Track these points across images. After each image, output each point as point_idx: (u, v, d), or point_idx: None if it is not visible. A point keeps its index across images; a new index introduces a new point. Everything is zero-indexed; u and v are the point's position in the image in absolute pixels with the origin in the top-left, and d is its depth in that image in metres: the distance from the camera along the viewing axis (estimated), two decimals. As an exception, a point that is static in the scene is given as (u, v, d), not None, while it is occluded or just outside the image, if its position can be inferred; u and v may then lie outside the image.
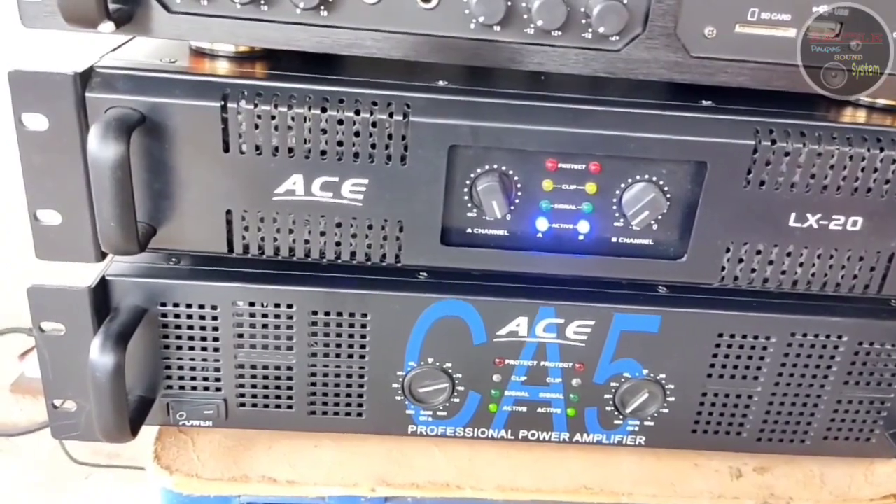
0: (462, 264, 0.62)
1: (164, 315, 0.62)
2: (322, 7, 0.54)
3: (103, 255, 0.59)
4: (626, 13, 0.54)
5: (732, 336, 0.66)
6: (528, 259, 0.62)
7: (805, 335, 0.66)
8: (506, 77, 0.62)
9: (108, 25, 0.52)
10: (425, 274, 0.65)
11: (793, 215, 0.61)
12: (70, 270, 0.59)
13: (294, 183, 0.58)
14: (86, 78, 0.55)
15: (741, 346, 0.66)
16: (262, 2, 0.54)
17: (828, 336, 0.66)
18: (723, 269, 0.62)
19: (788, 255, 0.62)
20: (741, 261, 0.62)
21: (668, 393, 0.67)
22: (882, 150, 0.59)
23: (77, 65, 0.55)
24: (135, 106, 0.55)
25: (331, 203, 0.59)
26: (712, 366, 0.67)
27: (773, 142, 0.58)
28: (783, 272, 0.63)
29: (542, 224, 0.62)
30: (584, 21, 0.55)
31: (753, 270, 0.63)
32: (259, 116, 0.56)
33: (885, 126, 0.60)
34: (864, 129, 0.59)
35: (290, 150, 0.57)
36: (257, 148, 0.57)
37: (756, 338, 0.66)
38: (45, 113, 0.54)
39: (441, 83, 0.60)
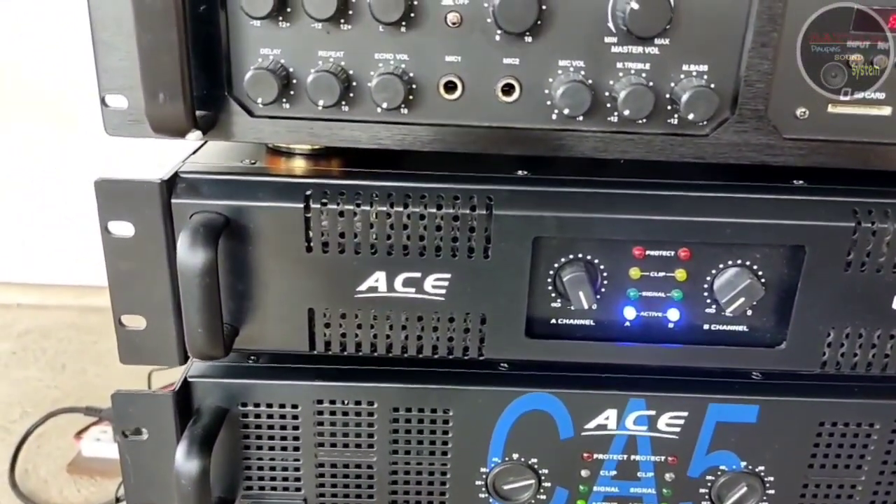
0: (547, 357, 0.60)
1: (245, 415, 0.61)
2: (404, 105, 0.54)
3: (186, 358, 0.58)
4: (715, 98, 0.52)
5: (834, 424, 0.62)
6: (615, 350, 0.60)
7: (911, 419, 0.63)
8: (586, 163, 0.61)
9: (195, 134, 0.52)
10: (506, 365, 0.63)
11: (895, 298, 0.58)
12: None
13: (376, 280, 0.57)
14: (171, 184, 0.55)
15: (843, 435, 0.62)
16: (344, 103, 0.54)
17: (937, 421, 0.62)
18: (823, 354, 0.59)
19: (892, 337, 0.59)
20: (842, 345, 0.59)
21: (768, 486, 0.63)
22: None
23: (162, 172, 0.55)
24: (219, 210, 0.55)
25: (413, 299, 0.58)
26: (814, 455, 0.63)
27: (873, 222, 0.56)
28: (886, 355, 0.60)
29: (629, 313, 0.59)
30: (670, 107, 0.54)
31: (855, 355, 0.60)
32: (341, 215, 0.56)
33: None
34: (968, 206, 0.56)
35: (373, 247, 0.57)
36: (340, 246, 0.56)
37: (859, 425, 0.62)
38: (131, 220, 0.55)
39: (521, 173, 0.59)
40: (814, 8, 0.51)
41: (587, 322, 0.60)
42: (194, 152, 0.61)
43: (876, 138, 0.55)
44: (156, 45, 0.48)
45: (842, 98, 0.54)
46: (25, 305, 1.49)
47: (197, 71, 0.52)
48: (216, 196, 0.55)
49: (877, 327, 0.59)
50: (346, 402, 0.61)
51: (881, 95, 0.54)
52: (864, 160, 0.56)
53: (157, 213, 0.55)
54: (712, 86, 0.53)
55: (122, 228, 0.55)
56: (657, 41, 0.52)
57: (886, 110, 0.54)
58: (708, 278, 0.59)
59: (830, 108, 0.54)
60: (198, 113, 0.52)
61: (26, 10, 0.99)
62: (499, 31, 0.52)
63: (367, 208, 0.55)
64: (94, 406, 1.13)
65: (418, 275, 0.57)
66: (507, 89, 0.54)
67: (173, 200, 0.55)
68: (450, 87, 0.54)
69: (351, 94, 0.54)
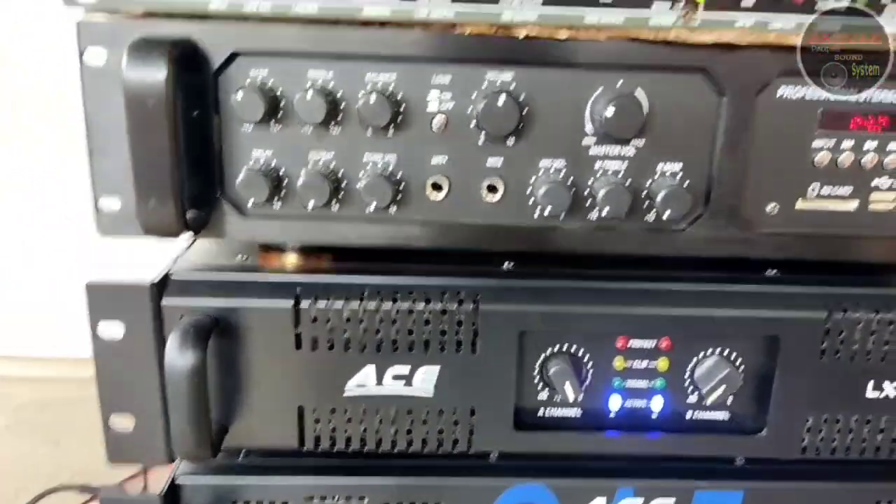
0: (536, 448, 0.61)
1: (234, 513, 0.61)
2: (392, 204, 0.56)
3: (174, 457, 0.58)
4: (689, 198, 0.55)
5: (819, 507, 0.63)
6: (602, 440, 0.61)
7: (891, 501, 0.63)
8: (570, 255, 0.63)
9: (186, 235, 0.53)
10: (496, 454, 0.63)
11: (870, 384, 0.59)
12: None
13: (366, 376, 0.58)
14: (161, 285, 0.56)
15: (828, 517, 0.63)
16: (334, 202, 0.56)
17: (918, 501, 0.63)
18: (803, 440, 0.61)
19: (868, 422, 0.61)
20: (821, 431, 0.61)
21: (757, 571, 0.64)
22: (955, 313, 0.58)
23: (153, 274, 0.56)
24: (209, 311, 0.55)
25: (402, 394, 0.58)
26: (799, 540, 0.64)
27: (845, 311, 0.58)
28: (864, 440, 0.61)
29: (614, 403, 0.61)
30: (646, 204, 0.56)
31: (834, 440, 0.61)
32: (330, 312, 0.57)
33: (955, 290, 0.59)
34: (935, 294, 0.59)
35: (362, 342, 0.57)
36: (329, 343, 0.57)
37: (843, 507, 0.63)
38: (121, 321, 0.55)
39: (507, 265, 0.60)
40: (782, 110, 0.55)
41: (574, 413, 0.61)
42: (187, 248, 0.62)
43: (844, 231, 0.58)
44: (149, 153, 0.50)
45: (810, 194, 0.57)
46: (24, 378, 1.46)
47: (189, 173, 0.53)
48: (206, 296, 0.56)
49: (853, 413, 0.60)
50: (336, 498, 0.60)
51: (847, 191, 0.57)
52: (835, 252, 0.59)
53: (148, 314, 0.55)
54: (686, 184, 0.55)
55: (112, 329, 0.55)
56: (633, 142, 0.55)
57: (853, 205, 0.57)
58: (689, 367, 0.60)
59: (799, 204, 0.57)
60: (189, 213, 0.54)
61: (26, 10, 0.98)
62: (482, 135, 0.54)
63: (356, 305, 0.56)
64: (89, 484, 1.10)
65: (407, 370, 0.58)
66: (492, 189, 0.56)
67: (163, 302, 0.55)
68: (436, 187, 0.56)
69: (341, 194, 0.56)
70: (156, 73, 0.48)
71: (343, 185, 0.55)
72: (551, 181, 0.55)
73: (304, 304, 0.56)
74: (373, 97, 0.51)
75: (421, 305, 0.57)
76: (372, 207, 0.55)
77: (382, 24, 0.51)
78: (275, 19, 0.50)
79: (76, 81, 0.52)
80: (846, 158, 0.56)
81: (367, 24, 0.51)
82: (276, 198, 0.55)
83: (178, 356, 0.52)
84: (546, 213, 0.55)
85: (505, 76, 0.53)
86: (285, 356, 0.57)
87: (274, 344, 0.57)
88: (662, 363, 0.60)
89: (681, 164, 0.56)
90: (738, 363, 0.59)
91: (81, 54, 0.51)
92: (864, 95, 0.54)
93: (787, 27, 0.50)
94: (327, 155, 0.54)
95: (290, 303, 0.56)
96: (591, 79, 0.53)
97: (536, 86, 0.53)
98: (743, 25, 0.50)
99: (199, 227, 0.55)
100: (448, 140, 0.55)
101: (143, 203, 0.51)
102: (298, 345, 0.57)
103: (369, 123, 0.53)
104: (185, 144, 0.51)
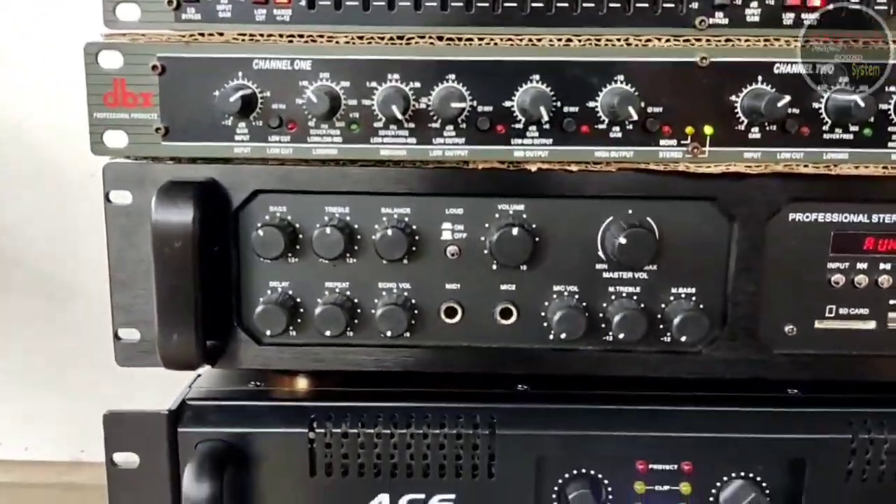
0: (556, 576, 0.59)
1: None
2: (407, 331, 0.56)
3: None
4: (705, 321, 0.55)
5: None
6: (625, 567, 0.59)
7: None
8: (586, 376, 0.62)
9: (205, 367, 0.54)
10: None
11: (901, 507, 0.58)
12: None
13: (380, 503, 0.57)
14: (177, 413, 0.56)
15: None
16: (350, 329, 0.56)
17: None
18: (834, 565, 0.59)
19: (901, 546, 0.59)
20: (852, 556, 0.59)
21: None
22: None
23: (169, 401, 0.56)
24: (225, 437, 0.55)
25: (418, 521, 0.57)
26: None
27: (869, 432, 0.57)
28: (899, 564, 0.59)
29: (637, 528, 0.59)
30: (662, 326, 0.56)
31: (867, 566, 0.59)
32: (345, 437, 0.56)
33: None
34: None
35: (376, 467, 0.57)
36: (343, 468, 0.56)
37: None
38: (137, 451, 0.55)
39: (521, 387, 0.60)
40: (794, 234, 0.55)
41: (595, 537, 0.60)
42: (198, 374, 0.62)
43: (863, 351, 0.57)
44: (174, 289, 0.51)
45: (827, 315, 0.57)
46: (5, 484, 1.44)
47: (208, 305, 0.54)
48: (222, 424, 0.56)
49: (884, 536, 0.58)
50: None
51: (865, 311, 0.57)
52: (856, 371, 0.58)
53: (164, 442, 0.55)
54: (701, 306, 0.55)
55: (128, 459, 0.55)
56: (646, 267, 0.55)
57: (871, 324, 0.57)
58: (714, 490, 0.59)
59: (818, 324, 0.57)
60: (208, 343, 0.54)
61: (26, 10, 0.99)
62: (495, 262, 0.55)
63: (371, 430, 0.56)
64: None
65: (422, 496, 0.57)
66: (505, 313, 0.56)
67: (180, 430, 0.55)
68: (450, 312, 0.56)
69: (356, 322, 0.56)
70: (184, 215, 0.49)
71: (358, 312, 0.56)
72: (566, 306, 0.55)
73: (319, 429, 0.56)
74: (389, 231, 0.52)
75: (436, 430, 0.56)
76: (387, 335, 0.55)
77: (397, 162, 0.52)
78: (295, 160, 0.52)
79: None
80: (862, 279, 0.56)
81: (383, 162, 0.53)
82: (291, 326, 0.56)
83: (196, 487, 0.52)
84: (561, 338, 0.55)
85: (517, 207, 0.54)
86: (299, 482, 0.56)
87: (288, 470, 0.56)
88: (685, 487, 0.58)
89: (695, 288, 0.56)
90: (763, 487, 0.58)
91: (107, 195, 0.52)
92: (875, 217, 0.55)
93: (795, 157, 0.51)
94: (343, 284, 0.55)
95: (304, 429, 0.56)
96: (602, 208, 0.54)
97: (548, 216, 0.54)
98: (751, 157, 0.51)
99: (215, 357, 0.56)
100: (461, 266, 0.55)
101: (167, 337, 0.52)
102: (313, 471, 0.56)
103: (385, 258, 0.54)
104: (205, 279, 0.53)
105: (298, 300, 0.55)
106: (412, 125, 0.50)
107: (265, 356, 0.56)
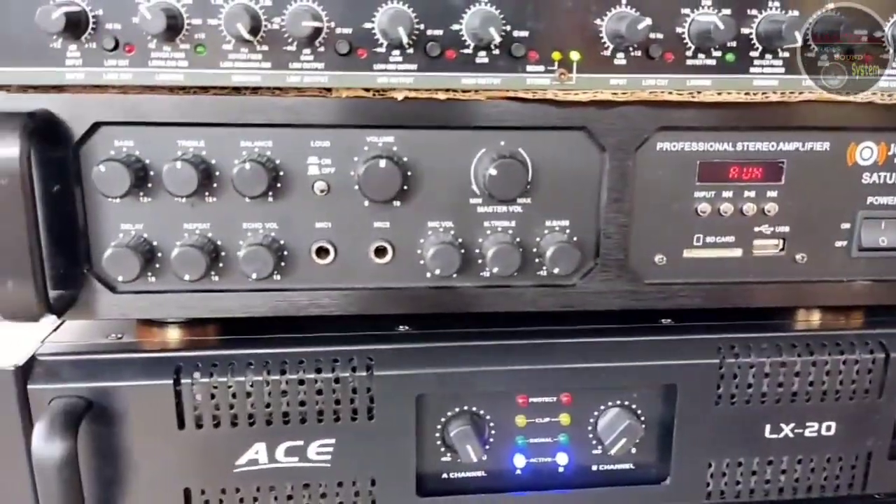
0: (441, 514, 0.59)
1: None
2: (276, 272, 0.53)
3: (47, 556, 0.53)
4: (577, 253, 0.55)
5: (729, 554, 0.63)
6: (509, 500, 0.59)
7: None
8: (466, 314, 0.62)
9: (49, 317, 0.50)
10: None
11: (768, 427, 0.60)
12: None
13: (256, 452, 0.55)
14: (27, 369, 0.52)
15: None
16: (214, 273, 0.53)
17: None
18: (708, 486, 0.61)
19: (770, 463, 0.61)
20: (724, 475, 0.61)
21: None
22: (842, 353, 0.59)
23: (17, 356, 0.52)
24: (81, 393, 0.52)
25: (297, 468, 0.55)
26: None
27: (737, 356, 0.59)
28: (767, 481, 0.62)
29: (519, 461, 0.59)
30: (537, 261, 0.56)
31: (738, 483, 0.61)
32: (215, 387, 0.54)
33: (840, 329, 0.61)
34: (821, 336, 0.60)
35: (251, 417, 0.54)
36: (215, 420, 0.54)
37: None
38: (-18, 411, 0.51)
39: (402, 329, 0.59)
40: (662, 164, 0.55)
41: (479, 474, 0.59)
42: (55, 329, 0.58)
43: (730, 278, 0.59)
44: (3, 233, 0.46)
45: (695, 244, 0.58)
46: None
47: (52, 250, 0.50)
48: (77, 378, 0.52)
49: (754, 456, 0.61)
50: (229, 583, 0.57)
51: (731, 239, 0.58)
52: (723, 299, 0.59)
53: (13, 401, 0.51)
54: (574, 239, 0.55)
55: (-28, 419, 0.51)
56: (520, 200, 0.55)
57: (737, 252, 0.58)
58: (591, 420, 0.59)
59: (686, 254, 0.58)
60: (54, 293, 0.50)
61: None
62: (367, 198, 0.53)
63: (242, 379, 0.54)
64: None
65: (301, 443, 0.55)
66: (380, 251, 0.55)
67: (29, 386, 0.51)
68: (322, 252, 0.54)
69: (220, 265, 0.53)
70: (9, 149, 0.45)
71: (222, 255, 0.53)
72: (440, 242, 0.54)
73: (185, 380, 0.53)
74: (247, 165, 0.49)
75: (312, 375, 0.55)
76: (253, 278, 0.52)
77: (255, 90, 0.49)
78: (139, 88, 0.48)
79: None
80: (727, 208, 0.57)
81: (238, 90, 0.49)
82: (149, 272, 0.52)
83: (46, 446, 0.48)
84: (436, 274, 0.54)
85: (386, 138, 0.52)
86: (167, 437, 0.53)
87: (155, 424, 0.53)
88: (564, 418, 0.59)
89: (568, 220, 0.56)
90: (638, 413, 0.59)
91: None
92: (739, 146, 0.56)
93: (660, 84, 0.51)
94: (203, 225, 0.52)
95: (169, 380, 0.53)
96: (473, 140, 0.53)
97: (420, 148, 0.52)
98: (617, 84, 0.51)
99: (63, 308, 0.52)
100: (331, 204, 0.53)
101: (1, 286, 0.48)
102: (181, 424, 0.54)
103: (244, 194, 0.51)
104: (46, 222, 0.48)
105: (155, 244, 0.52)
106: (265, 48, 0.47)
107: (122, 305, 0.53)
